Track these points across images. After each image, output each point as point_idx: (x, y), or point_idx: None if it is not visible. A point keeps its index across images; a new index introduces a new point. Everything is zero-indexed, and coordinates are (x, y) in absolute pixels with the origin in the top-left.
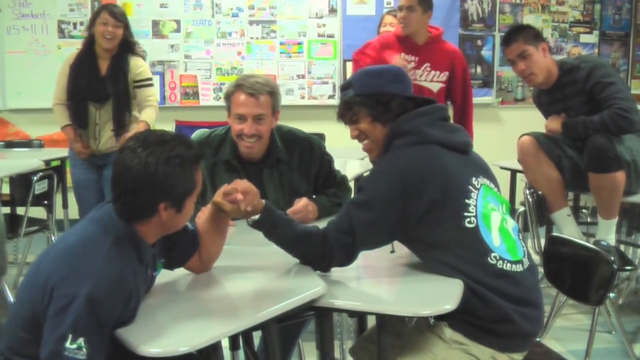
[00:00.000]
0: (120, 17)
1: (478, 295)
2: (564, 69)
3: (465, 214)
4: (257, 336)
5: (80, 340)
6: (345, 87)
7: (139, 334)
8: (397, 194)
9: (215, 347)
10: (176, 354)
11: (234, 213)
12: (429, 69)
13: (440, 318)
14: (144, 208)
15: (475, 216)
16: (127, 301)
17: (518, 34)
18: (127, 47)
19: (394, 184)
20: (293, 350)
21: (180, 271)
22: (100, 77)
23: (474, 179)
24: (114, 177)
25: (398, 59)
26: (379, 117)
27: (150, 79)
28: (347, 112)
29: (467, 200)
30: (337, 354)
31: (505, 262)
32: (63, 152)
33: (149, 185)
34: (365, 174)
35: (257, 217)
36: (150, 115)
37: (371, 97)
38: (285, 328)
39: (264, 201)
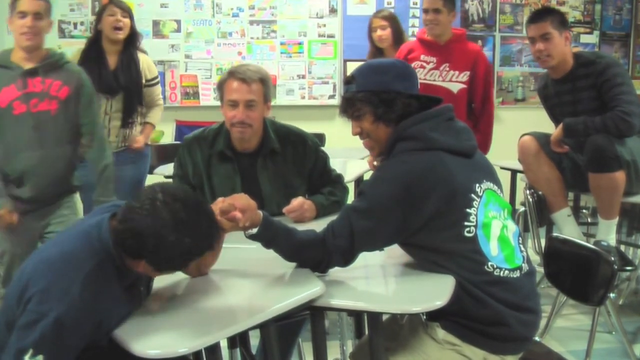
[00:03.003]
0: (126, 8)
1: (473, 297)
2: (580, 61)
3: (466, 223)
4: (255, 336)
5: (39, 358)
6: (348, 82)
7: (137, 336)
8: (399, 202)
9: (214, 348)
10: (175, 355)
11: (232, 230)
12: (447, 69)
13: (433, 319)
14: (130, 251)
15: (475, 225)
16: (97, 326)
17: (547, 15)
18: (132, 41)
19: (396, 193)
20: (293, 349)
21: (178, 273)
22: (110, 71)
23: (477, 185)
24: (132, 208)
25: None
26: (382, 117)
27: (157, 76)
28: (349, 109)
29: (468, 210)
30: (338, 355)
31: (503, 270)
32: None
33: (143, 244)
34: (365, 175)
35: (254, 230)
36: (158, 116)
37: (374, 94)
38: (284, 328)
39: (261, 213)
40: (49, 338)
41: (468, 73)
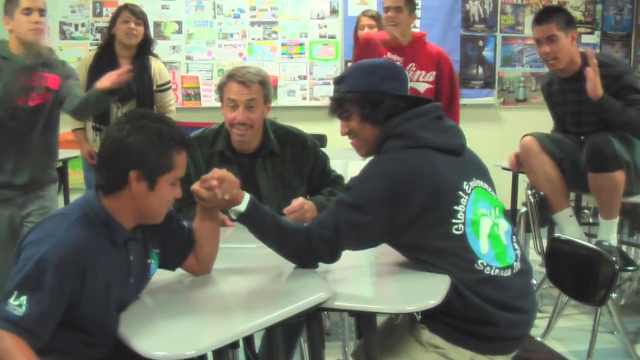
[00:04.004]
0: (140, 15)
1: (461, 297)
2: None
3: (453, 220)
4: (257, 336)
5: (23, 298)
6: (338, 82)
7: (142, 335)
8: (386, 198)
9: (221, 351)
10: (182, 357)
11: (212, 201)
12: (414, 68)
13: (427, 318)
14: (115, 175)
15: (464, 223)
16: (83, 273)
17: (552, 16)
18: (146, 47)
19: (383, 189)
20: (295, 349)
21: (185, 272)
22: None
23: (465, 183)
24: (99, 149)
25: None
26: (368, 117)
27: (169, 81)
28: (337, 109)
29: (456, 207)
30: (340, 355)
31: (493, 268)
32: (64, 153)
33: (120, 150)
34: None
35: (242, 209)
36: None
37: (362, 95)
38: (286, 328)
39: (244, 193)
40: (31, 276)
41: (434, 73)
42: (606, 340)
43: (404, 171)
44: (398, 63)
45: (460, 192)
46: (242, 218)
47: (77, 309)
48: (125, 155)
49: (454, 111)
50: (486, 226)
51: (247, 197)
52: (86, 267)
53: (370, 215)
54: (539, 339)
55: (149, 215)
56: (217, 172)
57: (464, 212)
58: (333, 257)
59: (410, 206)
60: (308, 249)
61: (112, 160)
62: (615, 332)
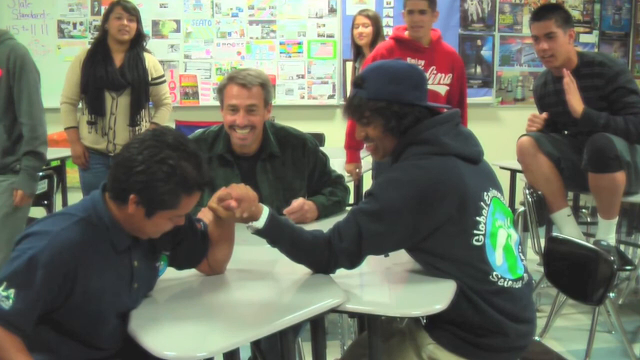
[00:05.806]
0: (133, 12)
1: (474, 306)
2: (585, 60)
3: (475, 232)
4: None
5: (11, 291)
6: (358, 84)
7: (155, 335)
8: (411, 206)
9: (233, 353)
10: (193, 359)
11: (230, 219)
12: (435, 71)
13: (432, 323)
14: (119, 189)
15: (484, 235)
16: (74, 274)
17: (551, 13)
18: (139, 42)
19: (409, 196)
20: None
21: (198, 272)
22: (116, 68)
23: (485, 194)
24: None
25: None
26: (392, 130)
27: (163, 75)
28: (355, 114)
29: (478, 218)
30: (338, 355)
31: (507, 280)
32: (63, 152)
33: (129, 170)
34: (365, 175)
35: (260, 226)
36: (165, 117)
37: (387, 104)
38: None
39: (262, 206)
40: (22, 272)
41: (451, 75)
42: (604, 340)
43: (432, 179)
44: (420, 67)
45: (482, 203)
46: (260, 233)
47: (68, 312)
48: (131, 178)
49: (464, 114)
50: (502, 238)
51: (265, 212)
52: (78, 268)
53: (393, 224)
54: (537, 338)
55: (141, 234)
56: (236, 191)
57: (485, 224)
58: (353, 265)
59: (435, 215)
60: (328, 260)
61: (120, 174)
62: (613, 332)
